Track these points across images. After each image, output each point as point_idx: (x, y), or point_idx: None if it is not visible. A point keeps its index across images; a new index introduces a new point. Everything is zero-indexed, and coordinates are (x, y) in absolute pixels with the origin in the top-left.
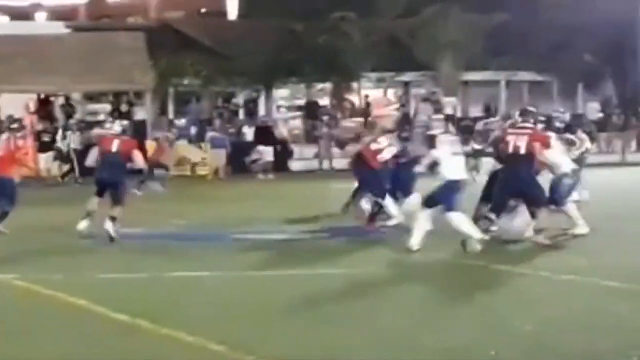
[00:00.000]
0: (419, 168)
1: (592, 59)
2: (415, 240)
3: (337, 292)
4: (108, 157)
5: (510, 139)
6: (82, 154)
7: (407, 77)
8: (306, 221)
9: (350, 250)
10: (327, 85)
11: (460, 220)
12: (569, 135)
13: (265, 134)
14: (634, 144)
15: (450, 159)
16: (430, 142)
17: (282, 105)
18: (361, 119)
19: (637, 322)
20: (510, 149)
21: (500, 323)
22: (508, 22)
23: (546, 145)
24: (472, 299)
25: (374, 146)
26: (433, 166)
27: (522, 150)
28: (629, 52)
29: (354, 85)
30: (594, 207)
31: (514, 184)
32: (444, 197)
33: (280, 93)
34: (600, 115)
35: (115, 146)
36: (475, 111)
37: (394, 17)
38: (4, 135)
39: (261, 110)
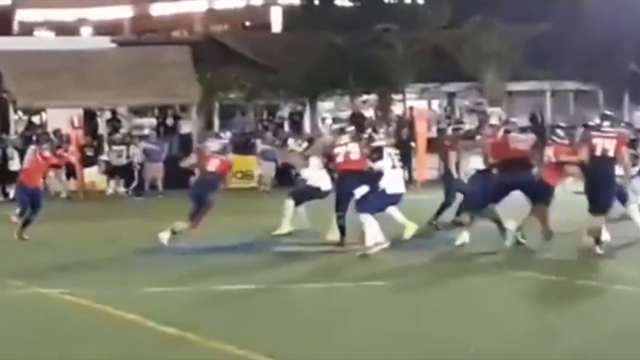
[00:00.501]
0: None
1: (638, 68)
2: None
3: (381, 304)
4: (205, 175)
5: (597, 142)
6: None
7: (451, 87)
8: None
9: (386, 261)
10: (372, 97)
11: (370, 224)
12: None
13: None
14: None
15: (390, 172)
16: (378, 153)
17: (327, 118)
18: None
19: None
20: (599, 152)
21: (550, 332)
22: (550, 32)
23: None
24: (522, 309)
25: None
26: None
27: (611, 153)
28: None
29: (399, 96)
30: None
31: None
32: (374, 202)
33: (325, 105)
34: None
35: (213, 166)
36: (521, 121)
37: (437, 28)
38: (31, 148)
39: (306, 123)
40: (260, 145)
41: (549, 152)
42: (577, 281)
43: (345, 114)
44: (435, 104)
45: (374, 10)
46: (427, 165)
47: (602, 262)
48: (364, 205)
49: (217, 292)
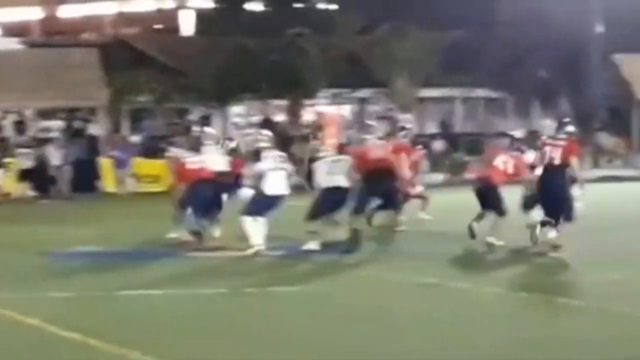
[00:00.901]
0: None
1: (547, 76)
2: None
3: (290, 311)
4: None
5: (547, 149)
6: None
7: (363, 93)
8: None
9: (304, 268)
10: (283, 102)
11: (249, 226)
12: None
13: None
14: (588, 161)
15: (271, 174)
16: (256, 156)
17: (237, 122)
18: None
19: (593, 336)
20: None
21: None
22: (463, 40)
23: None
24: (426, 315)
25: None
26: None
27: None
28: (583, 68)
29: (311, 101)
30: None
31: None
32: (257, 205)
33: (236, 110)
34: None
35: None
36: (431, 128)
37: (350, 34)
38: None
39: (216, 127)
40: (172, 149)
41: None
42: (484, 289)
43: (256, 118)
44: (346, 109)
45: (287, 15)
46: None
47: (503, 268)
48: (244, 207)
49: (122, 297)
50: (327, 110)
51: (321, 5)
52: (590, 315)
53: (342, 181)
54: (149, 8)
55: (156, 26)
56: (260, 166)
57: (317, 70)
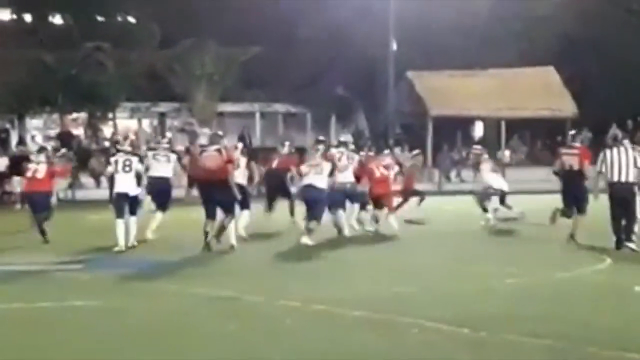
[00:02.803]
0: None
1: (345, 92)
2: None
3: (89, 327)
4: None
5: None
6: None
7: (162, 107)
8: (61, 252)
9: (102, 282)
10: (82, 115)
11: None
12: None
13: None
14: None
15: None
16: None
17: (36, 135)
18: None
19: (380, 348)
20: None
21: (249, 354)
22: (262, 55)
23: None
24: (221, 330)
25: None
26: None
27: None
28: (380, 86)
29: (110, 115)
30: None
31: None
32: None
33: (34, 123)
34: (352, 147)
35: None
36: (231, 141)
37: (149, 48)
38: None
39: (13, 140)
40: None
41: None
42: (276, 302)
43: (55, 131)
44: (146, 123)
45: (87, 29)
46: None
47: (303, 282)
48: None
49: None
50: (125, 123)
51: (121, 19)
52: (378, 327)
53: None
54: None
55: None
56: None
57: (116, 83)
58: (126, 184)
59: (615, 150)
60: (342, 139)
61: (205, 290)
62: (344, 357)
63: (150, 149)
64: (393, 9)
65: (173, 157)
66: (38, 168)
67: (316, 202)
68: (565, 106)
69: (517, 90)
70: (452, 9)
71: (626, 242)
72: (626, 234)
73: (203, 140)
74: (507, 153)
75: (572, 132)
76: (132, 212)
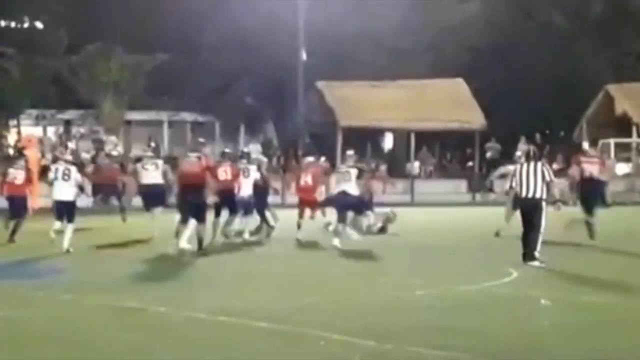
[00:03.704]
0: None
1: (254, 101)
2: None
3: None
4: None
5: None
6: None
7: (68, 115)
8: None
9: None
10: None
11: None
12: None
13: None
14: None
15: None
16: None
17: None
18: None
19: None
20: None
21: None
22: (170, 63)
23: None
24: (124, 340)
25: None
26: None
27: None
28: (290, 95)
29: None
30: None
31: None
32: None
33: None
34: (262, 156)
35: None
36: (138, 150)
37: (56, 54)
38: None
39: None
40: None
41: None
42: (181, 313)
43: None
44: (51, 131)
45: None
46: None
47: (208, 293)
48: None
49: None
50: (29, 131)
51: (26, 25)
52: (283, 339)
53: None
54: None
55: None
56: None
57: (20, 90)
58: (64, 191)
59: (525, 166)
60: (246, 149)
61: (110, 300)
62: None
63: (138, 160)
64: (302, 18)
65: (160, 162)
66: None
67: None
68: (474, 118)
69: (427, 102)
70: (362, 20)
71: (528, 262)
72: (529, 250)
73: (108, 148)
74: (416, 165)
75: (586, 144)
76: (69, 219)
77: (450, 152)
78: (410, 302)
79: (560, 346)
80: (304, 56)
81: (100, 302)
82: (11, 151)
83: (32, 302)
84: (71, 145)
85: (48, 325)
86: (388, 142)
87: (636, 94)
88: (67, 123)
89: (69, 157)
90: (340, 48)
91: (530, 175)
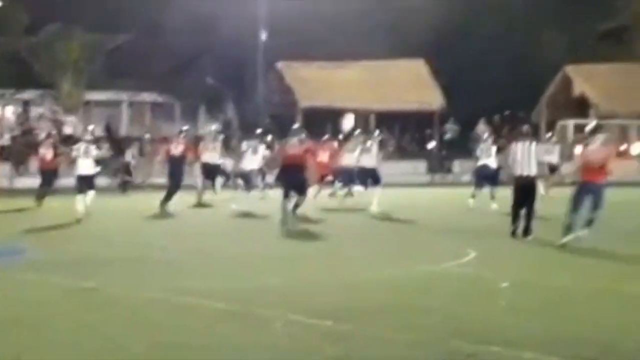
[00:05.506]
0: None
1: (214, 82)
2: None
3: None
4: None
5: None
6: None
7: (27, 95)
8: None
9: None
10: None
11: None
12: None
13: None
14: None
15: None
16: None
17: None
18: None
19: (242, 341)
20: None
21: (110, 346)
22: (130, 43)
23: None
24: (79, 321)
25: None
26: None
27: None
28: (250, 75)
29: None
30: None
31: None
32: None
33: None
34: (222, 136)
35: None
36: (97, 131)
37: (15, 33)
38: None
39: None
40: None
41: None
42: (138, 293)
43: None
44: (9, 110)
45: None
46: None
47: (168, 273)
48: None
49: None
50: None
51: None
52: (241, 319)
53: None
54: None
55: None
56: None
57: None
58: (86, 166)
59: (520, 144)
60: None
61: (66, 281)
62: (205, 349)
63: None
64: None
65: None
66: None
67: None
68: (433, 99)
69: (387, 83)
70: (323, 0)
71: (525, 237)
72: (525, 227)
73: (68, 129)
74: None
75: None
76: (90, 188)
77: (409, 133)
78: (369, 282)
79: (516, 325)
80: (263, 36)
81: (58, 282)
82: None
83: None
84: (91, 127)
85: (5, 306)
86: (348, 122)
87: (595, 75)
88: (26, 103)
89: (89, 137)
90: (301, 28)
91: (525, 154)
